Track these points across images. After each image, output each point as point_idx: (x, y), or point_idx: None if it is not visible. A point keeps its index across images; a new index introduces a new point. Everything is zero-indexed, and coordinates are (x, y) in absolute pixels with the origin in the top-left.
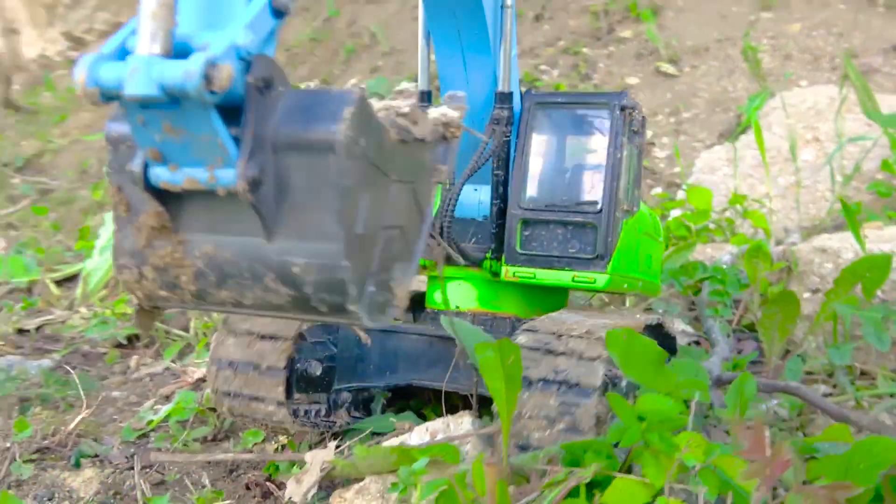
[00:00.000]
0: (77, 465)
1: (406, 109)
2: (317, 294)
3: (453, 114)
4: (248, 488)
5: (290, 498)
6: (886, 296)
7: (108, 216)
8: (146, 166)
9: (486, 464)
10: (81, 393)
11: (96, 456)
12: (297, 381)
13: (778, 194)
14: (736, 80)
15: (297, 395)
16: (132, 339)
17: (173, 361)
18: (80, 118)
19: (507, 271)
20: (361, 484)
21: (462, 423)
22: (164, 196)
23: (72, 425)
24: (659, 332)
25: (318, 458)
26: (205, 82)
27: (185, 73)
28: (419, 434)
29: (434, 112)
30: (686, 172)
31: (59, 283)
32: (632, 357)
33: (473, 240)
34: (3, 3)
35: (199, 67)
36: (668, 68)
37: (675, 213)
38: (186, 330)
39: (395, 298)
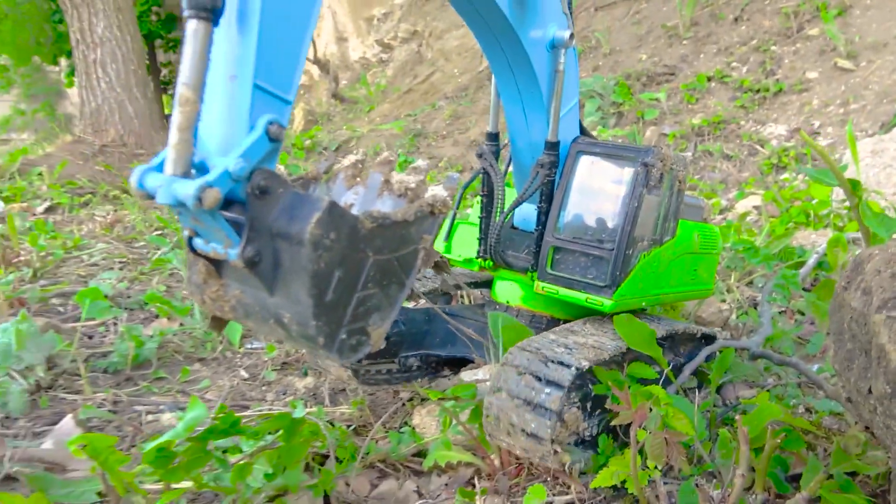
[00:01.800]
0: (305, 374)
1: (413, 185)
2: (298, 338)
3: (442, 194)
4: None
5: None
6: None
7: None
8: (191, 236)
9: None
10: None
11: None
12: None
13: None
14: None
15: (363, 362)
16: None
17: None
18: (382, 109)
19: (538, 285)
20: (430, 405)
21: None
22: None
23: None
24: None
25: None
26: (198, 202)
27: (185, 194)
28: (484, 370)
29: (428, 193)
30: (837, 161)
31: None
32: (634, 334)
33: (525, 251)
34: (335, 18)
35: (193, 191)
36: (846, 63)
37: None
38: None
39: (370, 339)
